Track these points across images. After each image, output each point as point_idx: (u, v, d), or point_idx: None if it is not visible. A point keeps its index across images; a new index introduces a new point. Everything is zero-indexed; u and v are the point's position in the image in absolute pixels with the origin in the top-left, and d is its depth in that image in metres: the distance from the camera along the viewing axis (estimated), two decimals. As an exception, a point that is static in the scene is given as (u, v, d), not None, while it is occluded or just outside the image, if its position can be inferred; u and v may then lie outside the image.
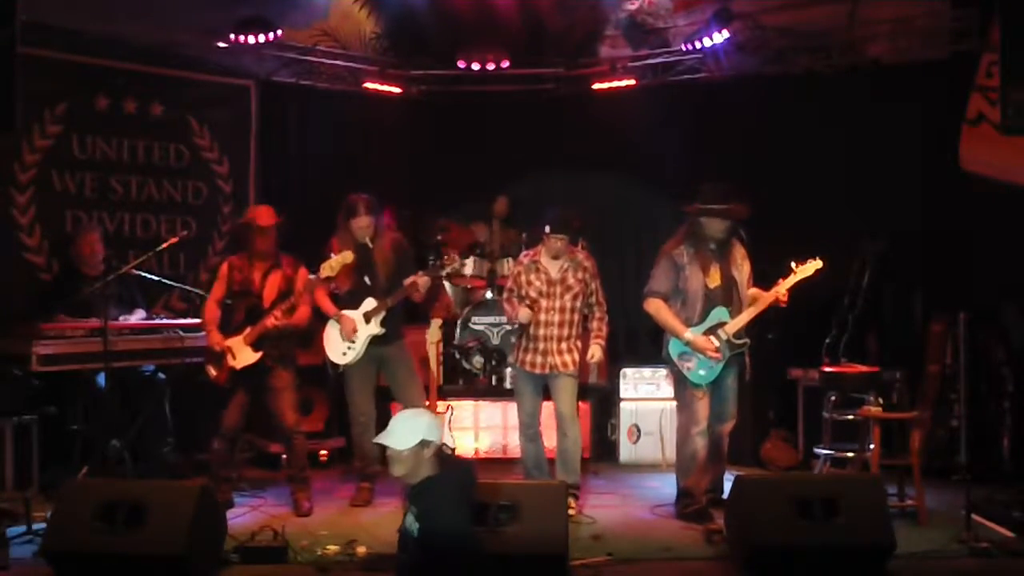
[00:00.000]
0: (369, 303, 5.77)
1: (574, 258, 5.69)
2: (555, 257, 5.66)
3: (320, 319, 5.89)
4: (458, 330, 7.57)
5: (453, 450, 6.90)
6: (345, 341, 5.80)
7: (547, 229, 5.61)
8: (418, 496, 3.79)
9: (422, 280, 5.74)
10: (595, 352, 5.69)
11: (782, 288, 5.50)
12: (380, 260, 5.81)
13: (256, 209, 5.91)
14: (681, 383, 5.57)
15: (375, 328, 5.76)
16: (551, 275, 5.64)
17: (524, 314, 5.61)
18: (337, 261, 5.56)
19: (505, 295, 5.89)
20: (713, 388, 5.55)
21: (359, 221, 5.74)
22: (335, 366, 5.88)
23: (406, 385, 5.95)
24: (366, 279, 5.79)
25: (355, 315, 5.78)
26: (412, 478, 3.81)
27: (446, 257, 5.92)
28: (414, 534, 3.76)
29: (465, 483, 3.90)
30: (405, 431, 3.78)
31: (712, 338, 5.45)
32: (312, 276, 5.65)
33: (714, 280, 5.50)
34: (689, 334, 5.43)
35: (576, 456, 5.67)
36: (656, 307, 5.53)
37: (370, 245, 5.78)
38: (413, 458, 3.76)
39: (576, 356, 5.67)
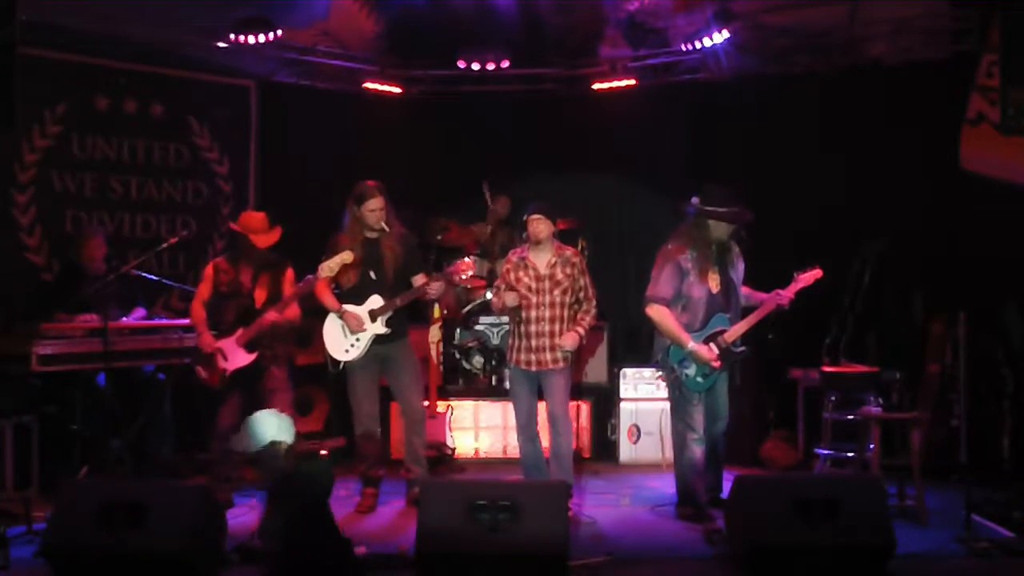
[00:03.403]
0: (375, 300, 5.65)
1: (562, 254, 5.68)
2: (539, 243, 5.63)
3: (319, 316, 5.86)
4: (458, 330, 7.57)
5: (453, 450, 6.92)
6: (348, 338, 5.70)
7: (525, 216, 5.65)
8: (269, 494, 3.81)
9: (435, 287, 5.64)
10: (567, 340, 5.53)
11: (784, 296, 5.51)
12: (389, 252, 5.67)
13: (252, 218, 5.82)
14: (677, 390, 5.57)
15: (380, 327, 5.64)
16: (540, 271, 5.63)
17: (511, 297, 5.56)
18: (336, 262, 5.47)
19: (493, 292, 5.87)
20: (707, 390, 5.55)
21: (372, 204, 5.58)
22: (335, 363, 5.74)
23: (407, 387, 5.83)
24: (371, 274, 5.66)
25: (360, 311, 5.66)
26: (266, 479, 3.81)
27: (462, 263, 5.77)
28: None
29: (301, 484, 3.86)
30: (256, 433, 3.79)
31: (712, 346, 5.45)
32: (311, 276, 5.64)
33: (715, 285, 5.50)
34: (692, 344, 5.42)
35: (569, 456, 5.66)
36: (660, 313, 5.50)
37: (386, 230, 5.64)
38: (265, 460, 3.76)
39: (569, 354, 5.66)
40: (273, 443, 3.76)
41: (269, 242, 5.69)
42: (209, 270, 5.83)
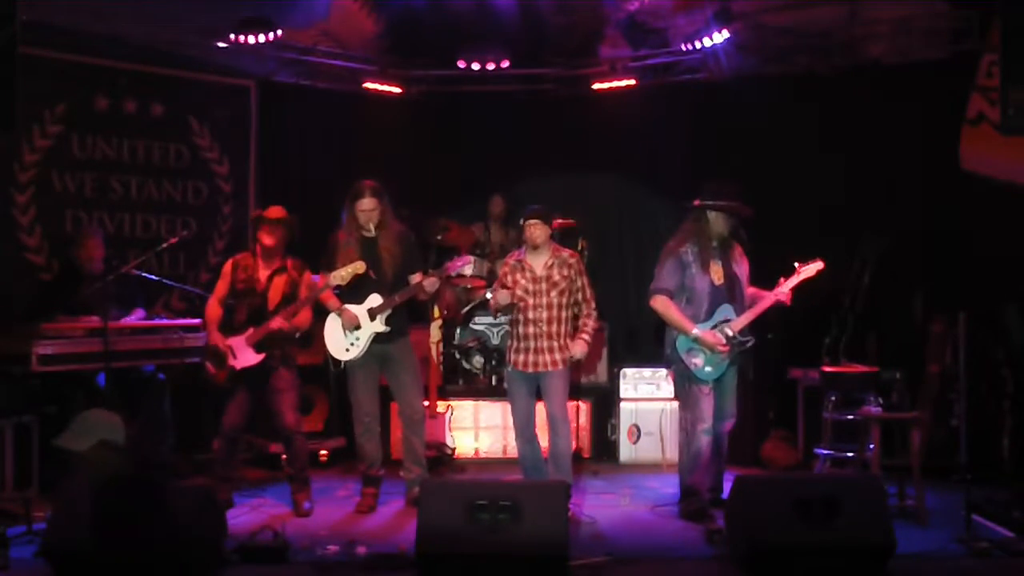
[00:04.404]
0: (374, 299, 5.67)
1: (560, 255, 5.69)
2: (537, 247, 5.64)
3: (319, 316, 5.86)
4: (458, 330, 7.57)
5: (453, 450, 6.91)
6: (348, 337, 5.72)
7: (521, 220, 5.67)
8: None
9: (429, 282, 5.67)
10: (576, 348, 5.60)
11: (785, 288, 5.55)
12: (385, 253, 5.69)
13: (273, 208, 5.85)
14: (686, 381, 5.57)
15: (380, 326, 5.66)
16: (536, 272, 5.64)
17: (502, 295, 5.57)
18: (348, 272, 5.50)
19: (491, 294, 5.89)
20: (714, 386, 5.56)
21: (363, 204, 5.62)
22: (336, 363, 5.77)
23: (407, 386, 5.84)
24: (370, 273, 5.65)
25: (359, 311, 5.68)
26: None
27: (458, 260, 5.81)
28: None
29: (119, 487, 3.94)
30: (84, 432, 3.83)
31: (717, 333, 5.47)
32: (316, 278, 5.65)
33: (718, 277, 5.53)
34: (697, 330, 5.45)
35: (568, 456, 5.65)
36: (663, 304, 5.55)
37: (375, 233, 5.68)
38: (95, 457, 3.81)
39: (567, 355, 5.66)
40: (102, 443, 3.80)
41: (276, 215, 5.67)
42: (227, 267, 5.79)
